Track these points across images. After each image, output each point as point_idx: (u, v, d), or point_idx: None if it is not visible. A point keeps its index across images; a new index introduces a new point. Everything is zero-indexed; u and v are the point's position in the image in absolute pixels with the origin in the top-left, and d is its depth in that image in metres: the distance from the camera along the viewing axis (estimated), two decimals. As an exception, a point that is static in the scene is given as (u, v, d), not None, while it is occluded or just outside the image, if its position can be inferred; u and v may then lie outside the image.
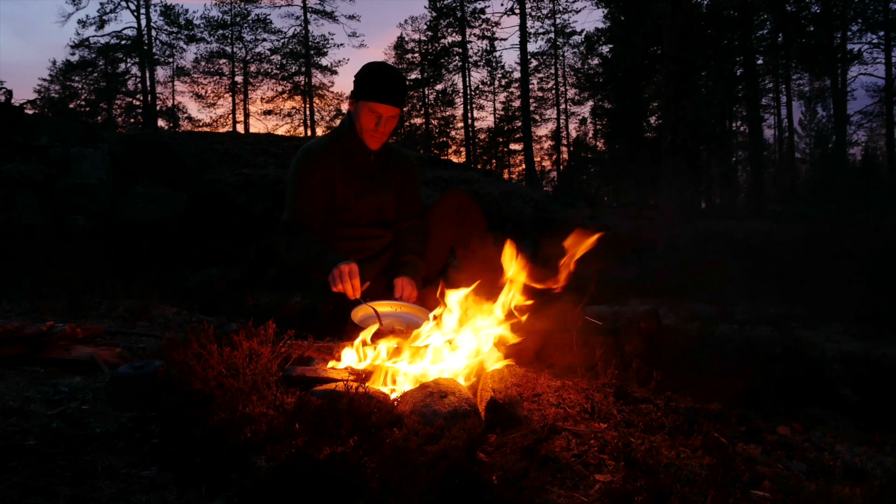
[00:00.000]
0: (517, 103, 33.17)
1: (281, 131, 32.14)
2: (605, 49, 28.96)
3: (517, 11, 27.94)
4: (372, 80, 2.37)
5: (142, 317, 3.03)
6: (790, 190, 27.22)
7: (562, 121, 35.87)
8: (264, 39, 31.96)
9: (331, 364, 1.76)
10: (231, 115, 32.10)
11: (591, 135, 37.41)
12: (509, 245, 1.83)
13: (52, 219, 7.22)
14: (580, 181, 36.63)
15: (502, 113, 35.96)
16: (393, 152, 2.64)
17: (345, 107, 31.43)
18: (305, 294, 4.37)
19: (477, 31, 32.16)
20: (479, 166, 32.70)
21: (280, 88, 32.60)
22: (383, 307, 2.19)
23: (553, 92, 35.01)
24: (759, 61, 26.35)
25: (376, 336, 1.85)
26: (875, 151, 32.05)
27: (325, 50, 32.04)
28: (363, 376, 1.66)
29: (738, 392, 1.87)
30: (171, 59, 30.88)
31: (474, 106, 35.45)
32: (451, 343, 1.81)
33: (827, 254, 8.22)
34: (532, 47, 46.16)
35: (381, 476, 1.10)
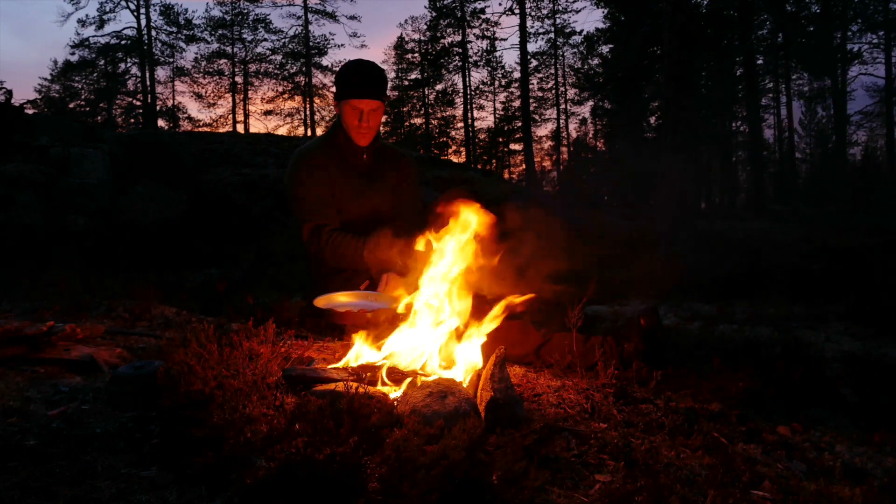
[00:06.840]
0: (517, 103, 33.13)
1: (281, 131, 32.12)
2: (605, 49, 28.93)
3: (517, 11, 27.89)
4: (347, 77, 2.41)
5: (142, 317, 3.03)
6: (790, 190, 27.20)
7: (562, 121, 35.86)
8: (264, 39, 31.99)
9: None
10: (231, 115, 32.12)
11: (591, 135, 37.41)
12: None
13: (52, 219, 7.22)
14: (580, 181, 36.59)
15: (502, 113, 35.94)
16: (388, 151, 2.65)
17: (344, 107, 31.35)
18: (305, 294, 4.36)
19: (477, 31, 32.17)
20: (479, 166, 32.67)
21: (280, 88, 32.61)
22: (346, 297, 2.16)
23: (553, 92, 34.97)
24: (759, 61, 26.33)
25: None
26: (875, 151, 32.01)
27: (326, 50, 32.07)
28: (365, 376, 1.66)
29: (738, 392, 1.87)
30: (171, 59, 30.89)
31: (474, 106, 35.45)
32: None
33: (827, 254, 8.21)
34: (532, 47, 46.19)
35: (381, 476, 1.10)
